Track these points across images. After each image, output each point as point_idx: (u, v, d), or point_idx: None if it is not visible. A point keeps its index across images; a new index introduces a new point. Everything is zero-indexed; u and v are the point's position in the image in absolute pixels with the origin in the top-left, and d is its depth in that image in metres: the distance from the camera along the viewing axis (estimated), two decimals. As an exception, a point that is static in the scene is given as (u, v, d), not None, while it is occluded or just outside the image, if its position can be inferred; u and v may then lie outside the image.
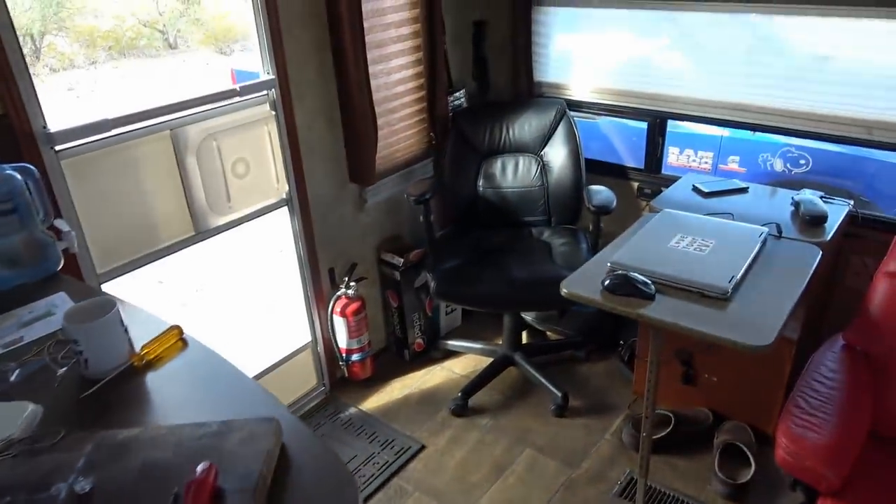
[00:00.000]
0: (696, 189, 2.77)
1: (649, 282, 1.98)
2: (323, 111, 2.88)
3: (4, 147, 1.92)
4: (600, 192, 2.89)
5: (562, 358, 3.42)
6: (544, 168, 3.22)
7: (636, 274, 2.00)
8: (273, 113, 2.67)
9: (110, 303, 1.39)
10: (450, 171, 3.29)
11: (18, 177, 1.73)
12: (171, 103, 2.32)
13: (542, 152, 3.24)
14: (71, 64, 11.97)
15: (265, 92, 2.62)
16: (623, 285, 1.98)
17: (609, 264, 2.10)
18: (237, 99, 2.52)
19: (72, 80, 11.09)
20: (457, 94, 3.46)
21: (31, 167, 1.81)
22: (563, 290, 2.02)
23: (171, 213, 2.43)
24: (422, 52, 3.23)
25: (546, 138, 3.22)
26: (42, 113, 2.00)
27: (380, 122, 3.12)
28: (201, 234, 2.54)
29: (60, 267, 1.85)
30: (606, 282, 2.00)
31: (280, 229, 2.96)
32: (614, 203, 2.80)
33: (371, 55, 2.99)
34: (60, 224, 1.95)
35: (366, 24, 2.90)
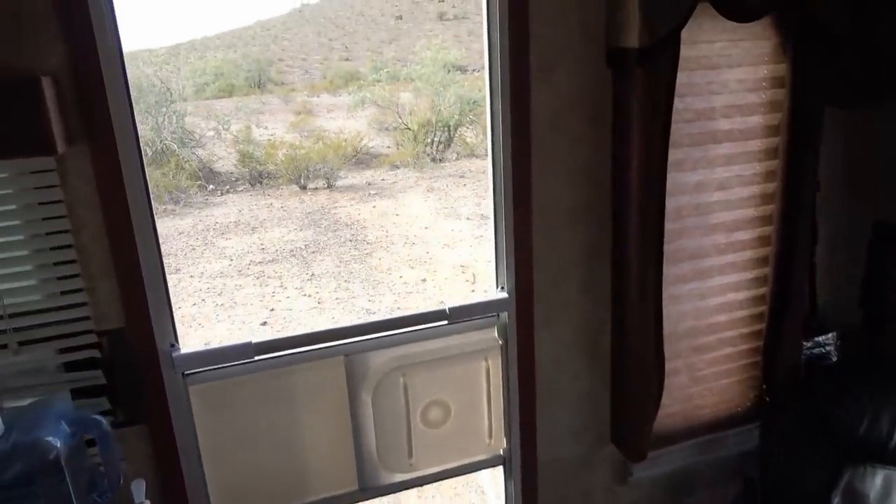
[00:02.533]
0: None
1: None
2: (581, 342, 1.97)
3: (119, 367, 1.52)
4: None
5: None
6: (980, 524, 1.70)
7: None
8: (500, 342, 1.87)
9: None
10: (781, 461, 2.01)
11: (57, 445, 1.26)
12: (349, 325, 1.72)
13: (981, 492, 1.72)
14: (472, 153, 13.37)
15: (494, 314, 1.85)
16: None
17: None
18: (445, 322, 1.80)
19: (464, 168, 12.24)
20: (822, 338, 2.16)
21: (100, 420, 1.35)
22: None
23: (329, 460, 1.79)
24: (769, 267, 2.08)
25: None
26: (173, 327, 1.57)
27: (676, 363, 2.06)
28: (366, 490, 1.84)
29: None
30: None
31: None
32: None
33: (677, 270, 1.98)
34: (136, 490, 1.45)
35: (673, 226, 1.92)
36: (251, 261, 8.56)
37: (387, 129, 15.00)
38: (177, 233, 9.94)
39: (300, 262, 8.51)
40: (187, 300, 7.43)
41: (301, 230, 9.75)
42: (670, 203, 1.85)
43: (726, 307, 2.10)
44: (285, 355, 1.68)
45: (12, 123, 1.18)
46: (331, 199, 11.34)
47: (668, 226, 1.85)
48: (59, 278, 1.40)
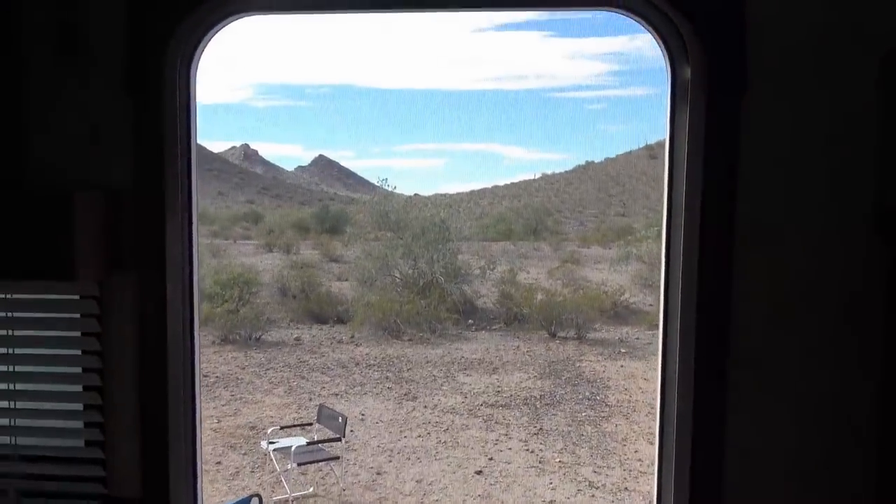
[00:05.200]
0: None
1: None
2: None
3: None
4: None
5: None
6: None
7: None
8: None
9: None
10: None
11: None
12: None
13: None
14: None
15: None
16: None
17: None
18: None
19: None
20: None
21: None
22: None
23: None
24: None
25: None
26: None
27: None
28: None
29: None
30: None
31: None
32: None
33: None
34: None
35: None
36: (484, 402, 8.43)
37: (650, 286, 14.30)
38: (425, 361, 10.37)
39: (531, 413, 8.11)
40: (414, 430, 7.49)
41: (540, 378, 9.42)
42: None
43: None
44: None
45: (37, 241, 1.04)
46: (578, 351, 10.89)
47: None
48: (85, 425, 1.16)
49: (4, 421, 1.12)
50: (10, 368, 1.11)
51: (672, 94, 1.13)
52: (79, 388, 1.12)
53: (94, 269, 1.06)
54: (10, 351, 1.11)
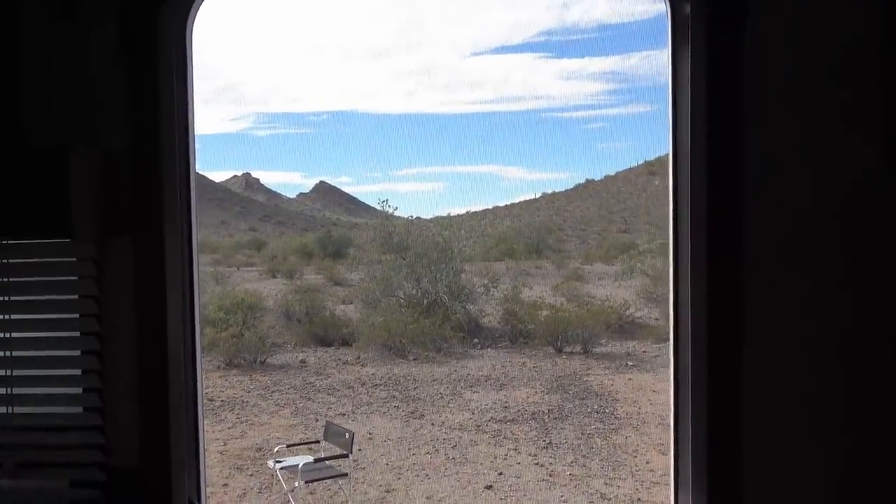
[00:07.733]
0: None
1: None
2: None
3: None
4: None
5: None
6: None
7: None
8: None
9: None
10: None
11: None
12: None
13: None
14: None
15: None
16: None
17: None
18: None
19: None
20: None
21: None
22: None
23: None
24: None
25: None
26: (198, 476, 1.22)
27: None
28: None
29: None
30: None
31: None
32: None
33: None
34: None
35: None
36: (492, 417, 8.33)
37: (655, 299, 14.22)
38: (431, 379, 10.26)
39: (539, 427, 8.00)
40: (423, 447, 7.38)
41: (548, 393, 9.31)
42: None
43: None
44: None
45: (33, 198, 1.02)
46: (584, 366, 10.78)
47: None
48: (84, 391, 1.12)
49: (1, 390, 1.09)
50: (7, 335, 1.09)
51: (672, 32, 1.11)
52: (77, 352, 1.10)
53: (91, 229, 1.04)
54: (7, 317, 1.09)
